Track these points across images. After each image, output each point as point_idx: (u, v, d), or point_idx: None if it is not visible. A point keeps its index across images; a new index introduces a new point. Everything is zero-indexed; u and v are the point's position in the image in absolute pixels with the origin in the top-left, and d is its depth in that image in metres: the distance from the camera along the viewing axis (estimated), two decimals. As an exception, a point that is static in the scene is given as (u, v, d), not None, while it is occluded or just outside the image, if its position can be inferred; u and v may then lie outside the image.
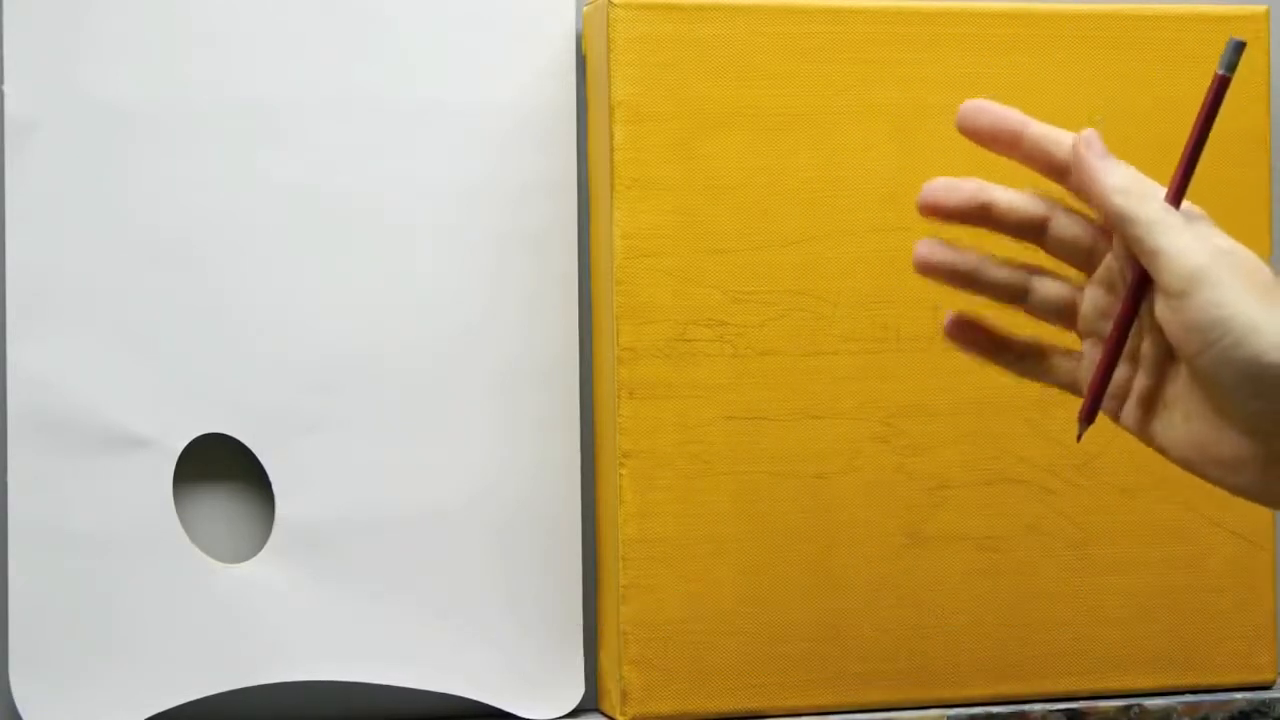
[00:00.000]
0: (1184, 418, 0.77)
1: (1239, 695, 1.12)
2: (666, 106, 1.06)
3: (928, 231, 1.09)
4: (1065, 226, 0.81)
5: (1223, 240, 0.76)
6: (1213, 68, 1.12)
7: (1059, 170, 0.80)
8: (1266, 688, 1.13)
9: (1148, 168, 1.11)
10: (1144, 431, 0.80)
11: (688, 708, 1.06)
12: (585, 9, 1.10)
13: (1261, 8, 1.13)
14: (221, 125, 1.05)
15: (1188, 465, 0.78)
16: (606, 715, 1.09)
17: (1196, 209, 0.78)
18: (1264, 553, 1.13)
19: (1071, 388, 0.83)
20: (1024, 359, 0.83)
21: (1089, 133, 0.78)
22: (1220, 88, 0.76)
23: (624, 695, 1.06)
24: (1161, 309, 0.75)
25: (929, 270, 0.83)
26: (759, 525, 1.07)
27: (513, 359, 1.08)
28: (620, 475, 1.06)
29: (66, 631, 1.03)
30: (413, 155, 1.07)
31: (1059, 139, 0.80)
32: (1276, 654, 1.13)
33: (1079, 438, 0.81)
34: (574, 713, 1.09)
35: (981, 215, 0.81)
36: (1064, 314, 0.82)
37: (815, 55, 1.08)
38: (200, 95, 1.05)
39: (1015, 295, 0.83)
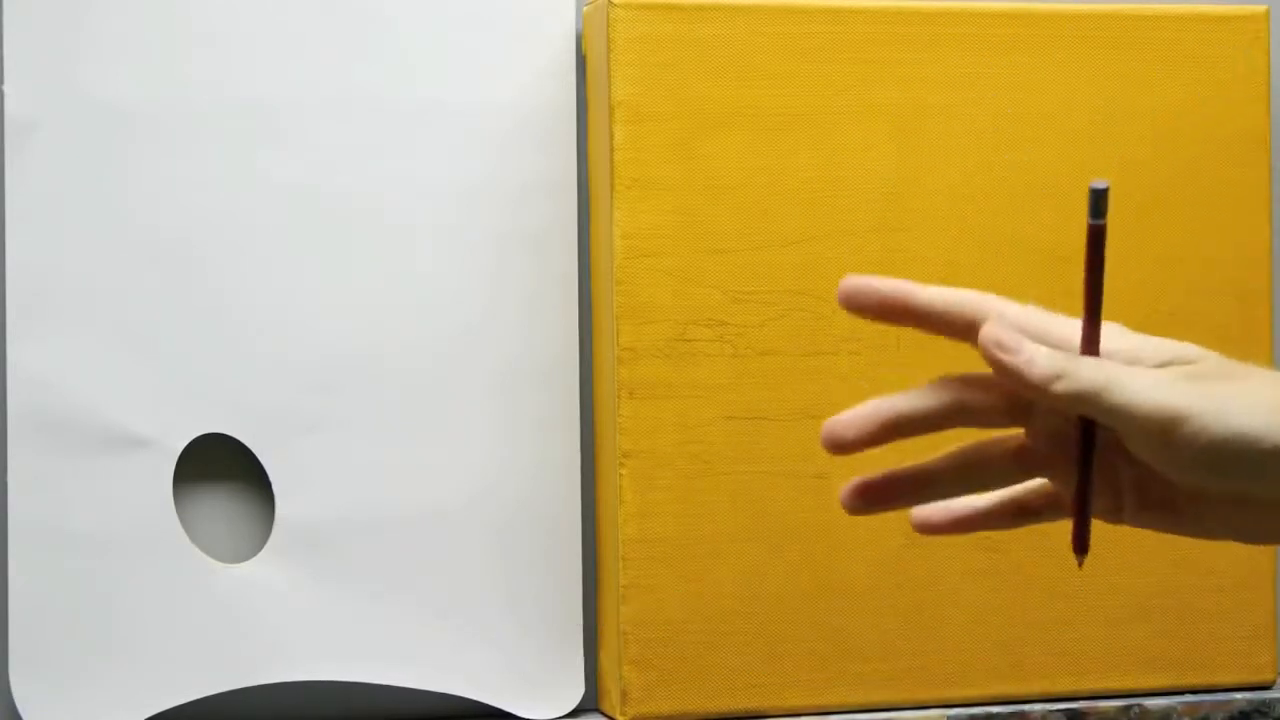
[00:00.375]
0: (1219, 521, 0.73)
1: (1239, 695, 1.12)
2: (666, 106, 1.06)
3: (928, 232, 1.10)
4: (978, 400, 0.74)
5: (1152, 352, 0.71)
6: (1212, 68, 1.13)
7: (959, 332, 0.74)
8: (1266, 688, 1.13)
9: (1146, 166, 1.11)
10: (1175, 530, 0.75)
11: (688, 708, 1.06)
12: (585, 9, 1.10)
13: (1261, 8, 1.13)
14: (221, 125, 1.05)
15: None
16: (606, 715, 1.09)
17: (1113, 332, 0.72)
18: (1264, 553, 1.13)
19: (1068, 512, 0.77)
20: (1015, 515, 0.77)
21: (994, 334, 0.71)
22: (1097, 237, 0.72)
23: (624, 695, 1.06)
24: (1144, 453, 0.70)
25: (866, 512, 0.78)
26: (759, 525, 1.07)
27: (513, 359, 1.08)
28: (620, 475, 1.06)
29: (66, 631, 1.03)
30: (413, 155, 1.07)
31: (950, 302, 0.73)
32: (1276, 654, 1.13)
33: (1080, 565, 0.78)
34: (574, 713, 1.09)
35: (889, 434, 0.73)
36: (1030, 474, 0.76)
37: (815, 55, 1.08)
38: (200, 95, 1.05)
39: (955, 491, 0.76)
